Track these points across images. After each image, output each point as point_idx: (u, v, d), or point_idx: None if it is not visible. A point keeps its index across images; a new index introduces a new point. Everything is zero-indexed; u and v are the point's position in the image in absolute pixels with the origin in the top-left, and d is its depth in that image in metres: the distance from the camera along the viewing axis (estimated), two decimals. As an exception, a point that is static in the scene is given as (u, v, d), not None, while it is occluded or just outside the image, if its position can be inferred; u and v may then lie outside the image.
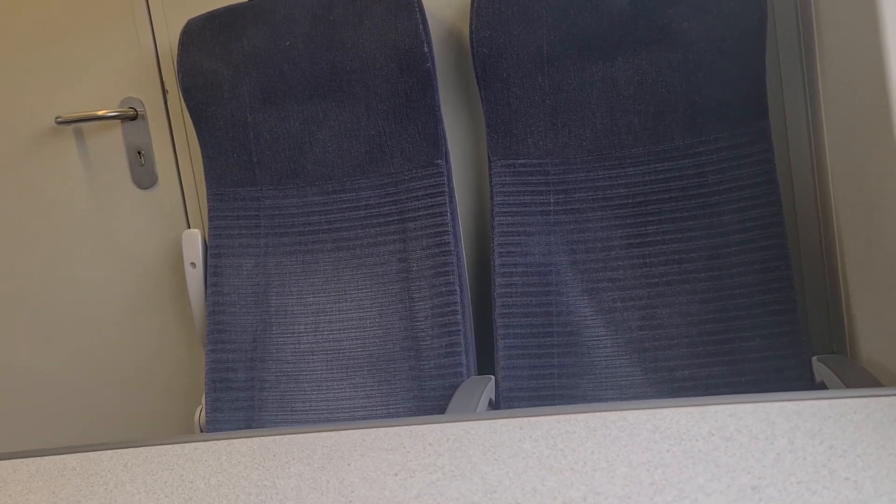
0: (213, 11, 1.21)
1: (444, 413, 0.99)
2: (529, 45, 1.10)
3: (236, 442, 0.68)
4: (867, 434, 0.53)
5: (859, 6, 0.86)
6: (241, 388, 1.17)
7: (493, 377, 1.09)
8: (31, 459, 0.70)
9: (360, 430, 0.67)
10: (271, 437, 0.68)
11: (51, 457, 0.70)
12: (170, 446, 0.69)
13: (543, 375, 1.08)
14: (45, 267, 1.39)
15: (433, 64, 1.13)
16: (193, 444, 0.69)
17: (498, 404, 1.08)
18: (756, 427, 0.57)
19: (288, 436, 0.68)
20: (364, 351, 1.15)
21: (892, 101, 0.81)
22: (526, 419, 0.65)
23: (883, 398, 0.59)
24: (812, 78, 1.08)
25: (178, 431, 1.38)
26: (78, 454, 0.69)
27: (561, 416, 0.64)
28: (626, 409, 0.64)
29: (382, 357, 1.13)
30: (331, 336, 1.16)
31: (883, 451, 0.50)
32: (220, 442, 0.68)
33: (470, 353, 1.12)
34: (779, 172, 1.11)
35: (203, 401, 1.19)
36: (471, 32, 1.11)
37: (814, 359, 1.00)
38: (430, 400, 1.10)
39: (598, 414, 0.63)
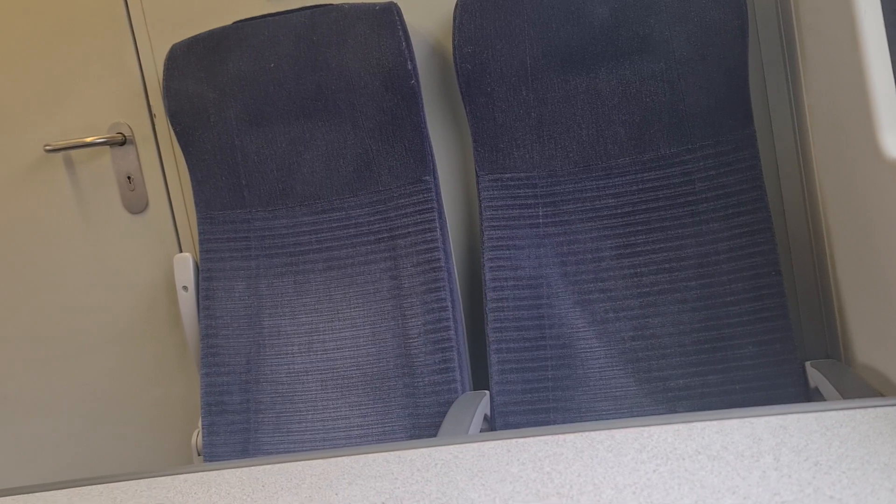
0: (197, 35, 1.21)
1: (438, 430, 0.99)
2: (513, 60, 1.10)
3: (226, 473, 0.67)
4: (852, 449, 0.53)
5: (838, 11, 0.86)
6: (236, 411, 1.17)
7: (487, 392, 1.09)
8: (22, 497, 0.70)
9: (349, 457, 0.67)
10: (261, 467, 0.68)
11: (41, 493, 0.70)
12: (160, 478, 0.69)
13: (538, 389, 1.08)
14: (37, 293, 1.39)
15: (417, 81, 1.13)
16: (184, 475, 0.69)
17: (493, 419, 1.08)
18: (742, 443, 0.57)
19: (277, 465, 0.68)
20: (358, 370, 1.14)
21: (874, 105, 0.81)
22: (514, 441, 0.64)
23: (869, 409, 0.59)
24: (796, 83, 1.08)
25: (176, 456, 1.38)
26: (68, 490, 0.69)
27: (549, 437, 0.64)
28: (615, 428, 0.63)
29: (376, 375, 1.13)
30: (324, 356, 1.16)
31: (868, 466, 0.50)
32: (210, 473, 0.68)
33: (464, 369, 1.12)
34: (767, 178, 1.11)
35: (199, 425, 1.19)
36: (454, 48, 1.12)
37: (807, 364, 0.99)
38: (425, 417, 1.10)
39: (586, 434, 0.63)
